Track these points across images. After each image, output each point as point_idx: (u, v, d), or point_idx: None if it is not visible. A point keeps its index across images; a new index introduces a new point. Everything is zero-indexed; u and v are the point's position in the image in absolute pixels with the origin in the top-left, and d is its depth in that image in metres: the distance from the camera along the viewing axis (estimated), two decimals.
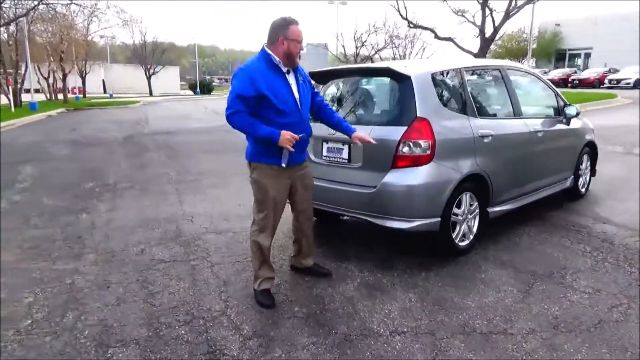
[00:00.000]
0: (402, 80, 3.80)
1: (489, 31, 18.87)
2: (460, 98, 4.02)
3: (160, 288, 3.56)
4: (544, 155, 4.83)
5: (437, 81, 3.88)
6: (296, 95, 3.17)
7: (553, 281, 3.54)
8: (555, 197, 5.26)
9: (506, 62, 4.84)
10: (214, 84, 67.68)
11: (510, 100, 4.52)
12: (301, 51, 3.19)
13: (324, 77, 4.20)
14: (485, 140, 4.04)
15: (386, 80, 4.07)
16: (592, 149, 5.78)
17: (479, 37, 18.96)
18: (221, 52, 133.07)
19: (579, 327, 2.90)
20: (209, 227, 4.96)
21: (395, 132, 3.66)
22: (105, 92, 49.49)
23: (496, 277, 3.61)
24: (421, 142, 3.60)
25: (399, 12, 20.79)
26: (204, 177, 7.42)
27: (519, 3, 18.33)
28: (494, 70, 4.57)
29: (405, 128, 3.63)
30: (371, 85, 4.26)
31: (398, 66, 3.81)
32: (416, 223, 3.65)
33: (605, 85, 29.94)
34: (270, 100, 3.04)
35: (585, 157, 5.65)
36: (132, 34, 66.33)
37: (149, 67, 51.85)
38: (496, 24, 18.53)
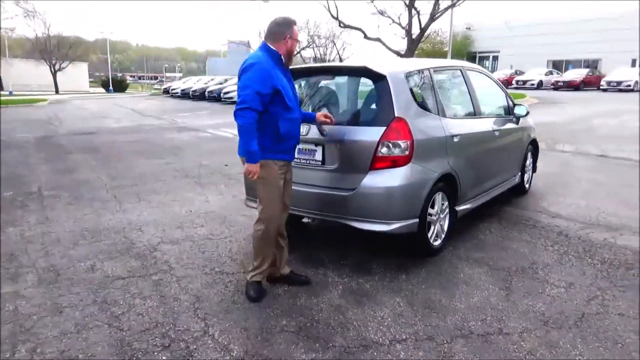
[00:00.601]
0: (377, 80, 3.70)
1: (414, 32, 19.51)
2: (432, 98, 4.01)
3: (124, 309, 3.19)
4: (499, 153, 4.98)
5: (410, 81, 3.83)
6: (296, 92, 3.29)
7: (528, 276, 3.62)
8: (503, 193, 5.45)
9: (466, 63, 4.93)
10: (127, 81, 64.31)
11: (472, 100, 4.61)
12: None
13: (294, 75, 3.99)
14: (455, 139, 4.06)
15: (361, 79, 3.97)
16: (534, 147, 6.08)
17: (406, 38, 19.55)
18: (134, 49, 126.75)
19: (567, 322, 2.97)
20: (163, 237, 4.57)
21: (373, 133, 3.56)
22: (2, 89, 45.10)
23: (475, 276, 3.64)
24: (400, 142, 3.53)
25: (329, 11, 20.86)
26: (143, 182, 6.89)
27: (442, 5, 19.12)
28: (456, 70, 4.62)
29: (383, 128, 3.54)
30: (346, 84, 4.14)
31: (374, 65, 3.71)
32: (396, 225, 3.58)
33: (513, 86, 32.17)
34: (282, 96, 3.06)
35: (529, 154, 5.93)
36: (35, 26, 60.78)
37: (54, 62, 48.08)
38: (422, 25, 19.20)
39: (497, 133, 4.85)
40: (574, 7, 39.51)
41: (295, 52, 3.30)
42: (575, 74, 32.30)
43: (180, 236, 4.59)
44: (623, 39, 37.60)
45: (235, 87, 25.91)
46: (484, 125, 4.65)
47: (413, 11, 18.89)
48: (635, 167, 7.71)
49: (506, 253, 4.09)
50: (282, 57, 3.14)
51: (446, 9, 19.03)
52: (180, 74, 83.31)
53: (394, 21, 19.86)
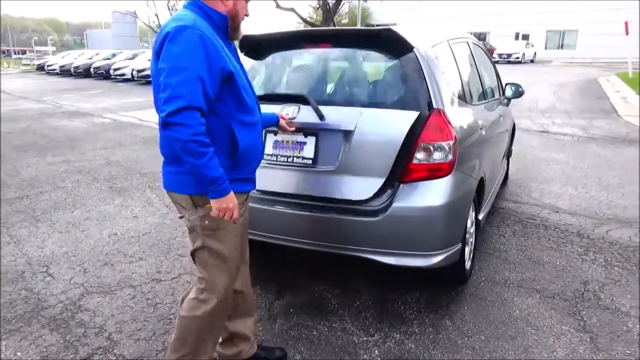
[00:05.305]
0: (402, 54, 2.67)
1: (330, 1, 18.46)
2: (457, 79, 3.07)
3: None
4: (500, 142, 4.23)
5: (438, 57, 2.85)
6: (250, 82, 2.01)
7: (593, 305, 2.89)
8: None
9: (466, 33, 4.03)
10: None
11: (480, 80, 3.77)
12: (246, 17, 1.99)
13: (271, 46, 2.81)
14: (483, 132, 3.20)
15: (375, 54, 2.89)
16: (513, 129, 5.46)
17: (320, 8, 18.44)
18: None
19: None
20: (87, 283, 3.21)
21: (404, 120, 2.54)
22: None
23: (534, 312, 2.82)
24: (444, 144, 2.55)
25: None
26: (36, 192, 5.23)
27: None
28: (464, 43, 3.71)
29: (416, 114, 2.54)
30: (352, 59, 3.01)
31: (402, 32, 2.65)
32: (439, 258, 2.63)
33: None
34: (236, 86, 1.82)
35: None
36: None
37: None
38: None
39: (501, 119, 4.09)
40: None
41: (242, 20, 1.96)
42: None
43: (112, 279, 3.26)
44: (506, 12, 40.12)
45: (128, 63, 21.24)
46: (493, 110, 3.85)
47: None
48: (582, 143, 7.55)
49: (543, 269, 3.35)
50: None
51: None
52: (54, 48, 74.80)
53: None
